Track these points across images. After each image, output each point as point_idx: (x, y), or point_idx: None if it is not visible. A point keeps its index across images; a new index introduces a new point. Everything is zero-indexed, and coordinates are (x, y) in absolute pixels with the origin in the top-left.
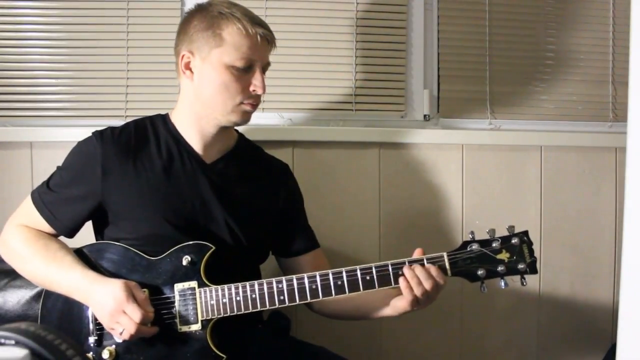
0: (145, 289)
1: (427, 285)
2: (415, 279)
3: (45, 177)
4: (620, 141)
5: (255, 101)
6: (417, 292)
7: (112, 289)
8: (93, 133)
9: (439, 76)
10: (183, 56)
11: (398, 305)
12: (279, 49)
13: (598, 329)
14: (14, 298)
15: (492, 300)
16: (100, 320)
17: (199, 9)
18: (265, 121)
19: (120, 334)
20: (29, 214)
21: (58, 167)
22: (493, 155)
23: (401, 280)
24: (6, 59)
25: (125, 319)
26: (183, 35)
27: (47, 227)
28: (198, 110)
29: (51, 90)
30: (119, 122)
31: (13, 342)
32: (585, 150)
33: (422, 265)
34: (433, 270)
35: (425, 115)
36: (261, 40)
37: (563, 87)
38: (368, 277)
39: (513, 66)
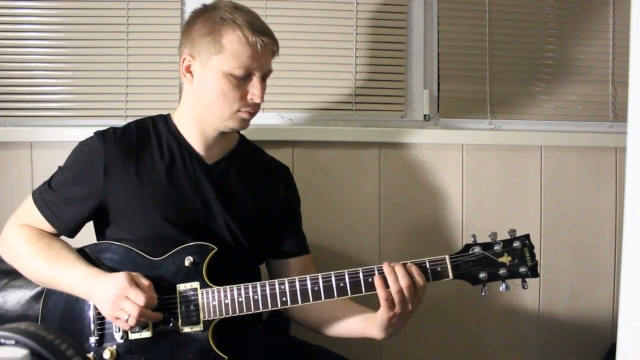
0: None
1: (404, 282)
2: (393, 275)
3: (45, 177)
4: (620, 141)
5: (253, 109)
6: (393, 288)
7: (115, 279)
8: (95, 133)
9: (439, 76)
10: (184, 59)
11: (377, 314)
12: (280, 48)
13: (598, 329)
14: (14, 298)
15: (492, 301)
16: (104, 312)
17: (204, 10)
18: (265, 121)
19: (126, 321)
20: (30, 214)
21: (60, 167)
22: (493, 155)
23: (376, 278)
24: (6, 59)
25: (129, 304)
26: (186, 38)
27: (48, 227)
28: (198, 113)
29: (51, 90)
30: (119, 122)
31: (13, 342)
32: (585, 150)
33: (403, 265)
34: (413, 269)
35: (425, 115)
36: (262, 49)
37: (563, 87)
38: (370, 279)
39: (513, 66)
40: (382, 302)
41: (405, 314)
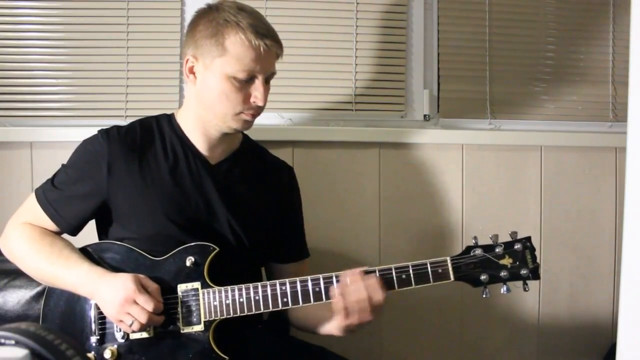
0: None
1: (359, 295)
2: (347, 288)
3: (45, 177)
4: (620, 141)
5: (255, 111)
6: (348, 299)
7: (122, 281)
8: (99, 131)
9: (439, 76)
10: (187, 60)
11: (335, 319)
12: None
13: (598, 329)
14: (14, 298)
15: (492, 302)
16: (108, 313)
17: (207, 11)
18: (265, 121)
19: (130, 325)
20: (32, 212)
21: (63, 165)
22: (493, 155)
23: (332, 289)
24: (6, 59)
25: (137, 309)
26: (189, 39)
27: (50, 225)
28: (201, 114)
29: (51, 90)
30: (119, 122)
31: (13, 342)
32: (585, 150)
33: (364, 274)
34: (371, 282)
35: (425, 115)
36: (265, 52)
37: (563, 87)
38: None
39: (513, 66)
40: (337, 312)
41: (364, 322)
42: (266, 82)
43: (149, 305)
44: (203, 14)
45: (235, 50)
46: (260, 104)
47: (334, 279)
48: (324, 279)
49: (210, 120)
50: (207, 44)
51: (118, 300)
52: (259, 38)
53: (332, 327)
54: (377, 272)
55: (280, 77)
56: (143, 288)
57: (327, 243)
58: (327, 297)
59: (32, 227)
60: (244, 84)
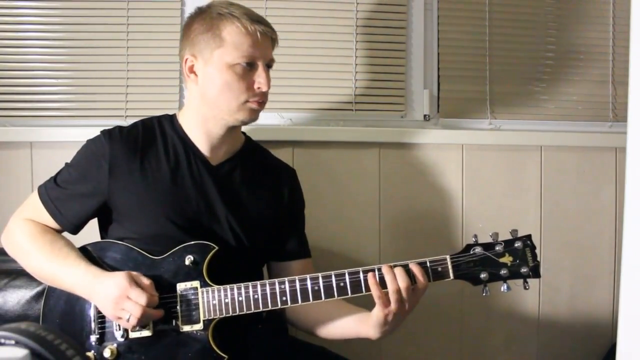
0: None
1: (403, 283)
2: (391, 274)
3: (45, 177)
4: (620, 141)
5: (261, 98)
6: (391, 287)
7: (114, 280)
8: (101, 132)
9: (439, 76)
10: (187, 60)
11: (372, 312)
12: (280, 48)
13: (598, 329)
14: (14, 298)
15: (492, 301)
16: (105, 311)
17: (199, 12)
18: (265, 121)
19: (127, 320)
20: (35, 209)
21: (66, 164)
22: (493, 155)
23: (370, 276)
24: (6, 59)
25: (130, 304)
26: (185, 40)
27: (52, 223)
28: (204, 112)
29: (51, 90)
30: (118, 123)
31: (13, 342)
32: (585, 150)
33: (404, 266)
34: (416, 269)
35: (425, 115)
36: (262, 37)
37: (563, 87)
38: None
39: (513, 66)
40: (377, 300)
41: (402, 312)
42: (266, 69)
43: (142, 299)
44: (195, 15)
45: (233, 39)
46: (264, 88)
47: (333, 278)
48: (322, 277)
49: (216, 115)
50: (204, 39)
51: (112, 298)
52: (254, 24)
53: (368, 327)
54: (376, 271)
55: (280, 77)
56: (136, 283)
57: (327, 243)
58: (326, 296)
59: (34, 223)
60: (246, 72)
